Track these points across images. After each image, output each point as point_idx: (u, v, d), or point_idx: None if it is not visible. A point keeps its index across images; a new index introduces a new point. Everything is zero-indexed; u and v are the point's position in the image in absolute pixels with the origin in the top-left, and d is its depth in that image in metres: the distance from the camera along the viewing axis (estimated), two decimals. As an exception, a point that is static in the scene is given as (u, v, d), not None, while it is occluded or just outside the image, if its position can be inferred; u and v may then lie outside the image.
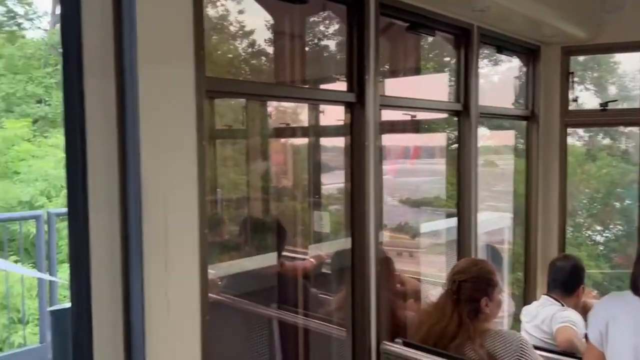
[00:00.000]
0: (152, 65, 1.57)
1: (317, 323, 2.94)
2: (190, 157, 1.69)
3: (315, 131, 3.38)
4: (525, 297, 4.18)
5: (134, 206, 1.54)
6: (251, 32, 3.43)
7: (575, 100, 4.05)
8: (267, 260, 3.11)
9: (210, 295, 2.78)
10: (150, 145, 1.57)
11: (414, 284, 3.28)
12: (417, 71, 3.90)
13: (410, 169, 4.56)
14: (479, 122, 3.44)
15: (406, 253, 4.26)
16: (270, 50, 3.29)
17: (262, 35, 3.22)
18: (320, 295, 3.32)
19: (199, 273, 1.73)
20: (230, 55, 3.44)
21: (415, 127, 4.04)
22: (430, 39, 3.41)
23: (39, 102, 14.09)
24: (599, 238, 9.72)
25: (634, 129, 6.50)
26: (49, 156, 10.74)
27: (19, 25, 16.84)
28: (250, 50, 3.50)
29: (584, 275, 3.12)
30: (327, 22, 3.32)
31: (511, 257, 4.78)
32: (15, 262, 6.82)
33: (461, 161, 3.38)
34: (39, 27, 16.78)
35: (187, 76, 1.68)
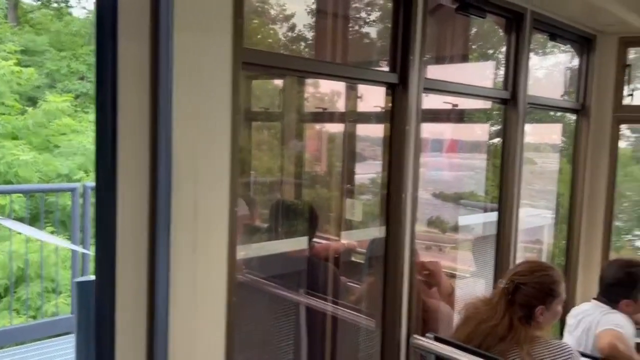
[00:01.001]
0: (188, 32, 1.50)
1: (346, 312, 2.85)
2: (224, 131, 1.61)
3: (353, 117, 3.27)
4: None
5: (164, 180, 1.48)
6: (292, 15, 3.34)
7: (630, 95, 3.81)
8: (297, 244, 3.04)
9: (238, 276, 2.75)
10: (183, 116, 1.50)
11: (447, 280, 3.15)
12: (464, 57, 3.73)
13: (445, 162, 4.42)
14: (527, 113, 3.27)
15: (436, 248, 4.16)
16: (310, 32, 3.19)
17: (303, 17, 3.12)
18: (350, 283, 3.24)
19: (227, 253, 1.66)
20: (270, 40, 3.36)
21: (456, 117, 3.89)
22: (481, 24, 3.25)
23: (82, 78, 14.39)
24: (639, 243, 9.37)
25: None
26: (89, 131, 10.96)
27: (66, 2, 17.20)
28: (290, 33, 3.40)
29: (637, 287, 2.87)
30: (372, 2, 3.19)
31: (550, 257, 4.59)
32: (52, 233, 6.99)
33: (505, 152, 3.22)
34: (84, 8, 17.10)
35: (224, 46, 1.60)
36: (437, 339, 2.39)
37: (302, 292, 2.84)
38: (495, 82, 3.50)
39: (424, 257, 3.99)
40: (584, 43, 3.80)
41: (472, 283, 3.89)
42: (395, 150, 2.44)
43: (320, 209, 3.53)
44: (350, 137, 3.47)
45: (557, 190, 4.48)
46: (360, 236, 3.42)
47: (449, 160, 4.39)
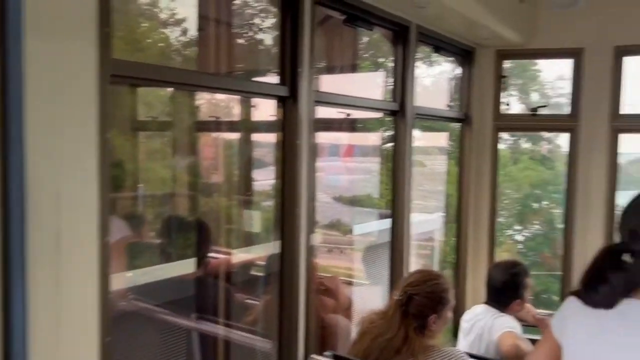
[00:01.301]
0: (42, 37, 1.31)
1: (241, 334, 2.73)
2: (90, 149, 1.43)
3: (247, 126, 3.16)
4: (456, 297, 4.17)
5: (17, 208, 1.28)
6: (175, 19, 3.16)
7: (507, 104, 4.07)
8: (189, 265, 2.86)
9: (122, 304, 2.51)
10: (39, 135, 1.31)
11: (345, 293, 3.14)
12: (353, 68, 3.77)
13: (342, 166, 4.46)
14: (415, 122, 3.36)
15: (337, 251, 4.18)
16: (195, 40, 3.04)
17: (187, 23, 2.96)
18: (249, 301, 3.12)
19: (99, 285, 1.48)
20: (149, 40, 3.15)
21: (350, 125, 3.92)
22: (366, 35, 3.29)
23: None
24: (518, 237, 10.13)
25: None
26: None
27: None
28: (174, 38, 3.22)
29: (522, 287, 3.03)
30: (261, 11, 3.11)
31: (442, 255, 4.79)
32: None
33: (396, 162, 3.28)
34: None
35: (88, 56, 1.43)
36: (336, 357, 2.34)
37: (195, 318, 2.67)
38: (387, 90, 3.56)
39: (326, 259, 3.97)
40: (465, 55, 4.00)
41: (369, 290, 3.94)
42: (288, 166, 2.37)
43: (216, 221, 3.37)
44: (246, 145, 3.36)
45: (446, 191, 4.68)
46: (258, 249, 3.32)
47: (346, 164, 4.44)
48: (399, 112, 3.21)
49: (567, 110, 3.96)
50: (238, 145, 3.52)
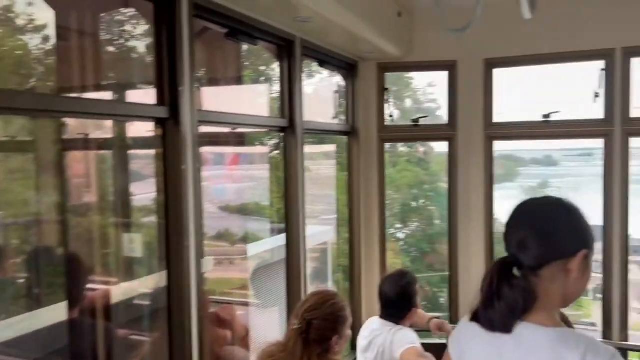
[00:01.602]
0: None
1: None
2: None
3: (122, 143, 2.86)
4: (352, 306, 4.17)
5: None
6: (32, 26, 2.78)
7: (390, 116, 4.16)
8: (62, 309, 2.51)
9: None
10: None
11: (241, 323, 2.96)
12: (238, 83, 3.62)
13: (229, 175, 4.29)
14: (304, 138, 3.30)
15: (227, 262, 4.01)
16: (53, 53, 2.69)
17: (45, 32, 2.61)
18: (133, 338, 2.82)
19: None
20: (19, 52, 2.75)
21: (237, 137, 3.75)
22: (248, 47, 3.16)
23: None
24: (399, 235, 10.59)
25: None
26: None
27: None
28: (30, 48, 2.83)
29: (414, 296, 3.06)
30: (133, 21, 2.84)
31: (334, 267, 4.79)
32: None
33: (288, 178, 3.19)
34: None
35: None
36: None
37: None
38: (274, 105, 3.45)
39: (217, 272, 3.75)
40: (348, 69, 4.03)
41: (265, 312, 3.80)
42: (172, 192, 2.16)
43: (91, 248, 3.02)
44: (122, 163, 3.04)
45: (337, 200, 4.69)
46: (142, 277, 3.03)
47: (233, 172, 4.27)
48: (289, 128, 3.12)
49: (443, 118, 4.16)
50: (114, 164, 3.19)
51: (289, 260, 3.27)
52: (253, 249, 4.10)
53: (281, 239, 3.34)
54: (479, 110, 3.99)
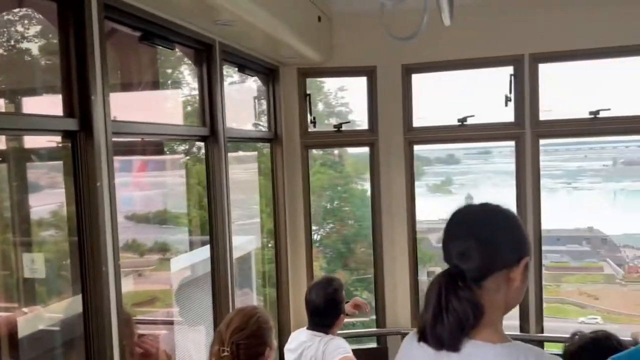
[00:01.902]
0: None
1: None
2: None
3: (21, 157, 2.57)
4: (280, 316, 4.08)
5: None
6: None
7: (312, 121, 4.11)
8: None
9: None
10: None
11: (164, 352, 2.76)
12: (154, 89, 3.40)
13: (139, 182, 4.04)
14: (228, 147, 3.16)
15: (140, 274, 3.79)
16: None
17: None
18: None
19: None
20: None
21: (148, 145, 3.52)
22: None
23: None
24: (315, 237, 10.64)
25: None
26: None
27: None
28: None
29: (342, 302, 3.02)
30: (30, 22, 2.56)
31: (260, 277, 4.67)
32: None
33: (212, 190, 3.03)
34: None
35: None
36: None
37: None
38: (193, 111, 3.28)
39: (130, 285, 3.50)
40: (269, 74, 3.93)
41: (189, 332, 3.61)
42: (86, 213, 1.96)
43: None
44: (21, 176, 2.73)
45: (260, 207, 4.56)
46: (49, 300, 2.75)
47: (142, 179, 4.02)
48: (211, 137, 2.97)
49: (356, 122, 4.19)
50: (12, 178, 2.87)
51: (215, 274, 3.11)
52: (176, 263, 3.88)
53: (205, 252, 3.18)
54: (398, 115, 4.04)
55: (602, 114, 3.71)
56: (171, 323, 3.67)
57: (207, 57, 2.98)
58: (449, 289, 1.30)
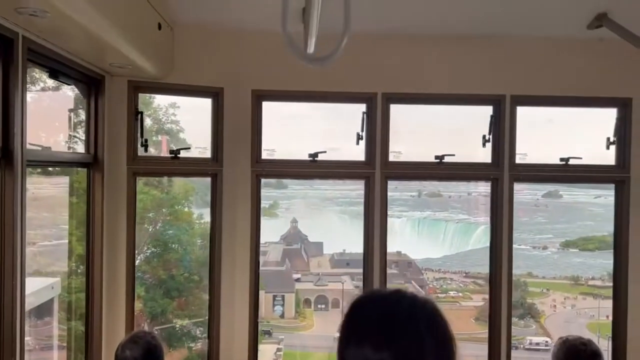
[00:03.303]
0: None
1: None
2: None
3: None
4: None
5: None
6: None
7: (144, 145, 3.48)
8: None
9: None
10: None
11: None
12: None
13: None
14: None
15: None
16: None
17: None
18: None
19: None
20: None
21: None
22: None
23: None
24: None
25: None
26: None
27: None
28: None
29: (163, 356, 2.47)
30: None
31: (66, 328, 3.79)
32: None
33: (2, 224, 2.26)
34: None
35: None
36: None
37: None
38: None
39: None
40: (92, 84, 3.22)
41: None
42: None
43: None
44: None
45: (70, 243, 3.72)
46: None
47: None
48: (2, 159, 2.21)
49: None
50: None
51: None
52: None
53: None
54: (247, 145, 3.63)
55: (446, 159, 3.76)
56: None
57: (5, 54, 2.24)
58: None
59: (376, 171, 3.70)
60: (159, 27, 3.18)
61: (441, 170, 3.79)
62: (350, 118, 3.66)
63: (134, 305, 3.63)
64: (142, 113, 3.46)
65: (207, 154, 3.67)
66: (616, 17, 3.24)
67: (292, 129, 4.05)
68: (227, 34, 3.53)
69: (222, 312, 3.65)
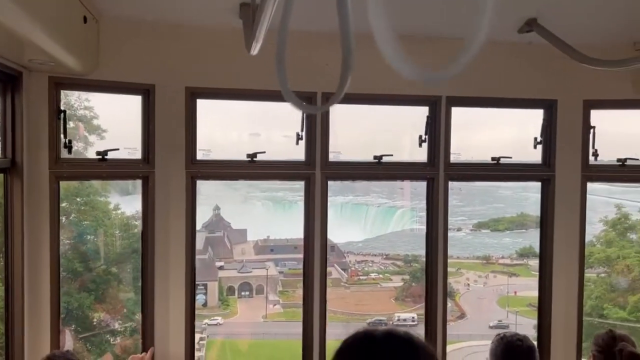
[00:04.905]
0: None
1: None
2: None
3: None
4: None
5: None
6: None
7: (68, 146, 3.19)
8: None
9: None
10: None
11: None
12: None
13: None
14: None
15: None
16: None
17: None
18: None
19: None
20: None
21: None
22: None
23: None
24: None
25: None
26: None
27: None
28: None
29: None
30: None
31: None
32: None
33: None
34: None
35: None
36: None
37: None
38: None
39: None
40: (8, 80, 2.89)
41: None
42: None
43: None
44: None
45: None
46: None
47: None
48: None
49: (132, 151, 3.45)
50: None
51: None
52: None
53: None
54: (180, 145, 3.44)
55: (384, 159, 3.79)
56: None
57: None
58: None
59: (316, 172, 3.65)
60: (85, 20, 2.90)
61: (380, 170, 3.81)
62: (294, 117, 3.58)
63: (59, 314, 3.35)
64: (64, 112, 3.16)
65: (138, 155, 3.44)
66: (545, 22, 3.37)
67: (232, 127, 3.89)
68: (160, 28, 3.30)
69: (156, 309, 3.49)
